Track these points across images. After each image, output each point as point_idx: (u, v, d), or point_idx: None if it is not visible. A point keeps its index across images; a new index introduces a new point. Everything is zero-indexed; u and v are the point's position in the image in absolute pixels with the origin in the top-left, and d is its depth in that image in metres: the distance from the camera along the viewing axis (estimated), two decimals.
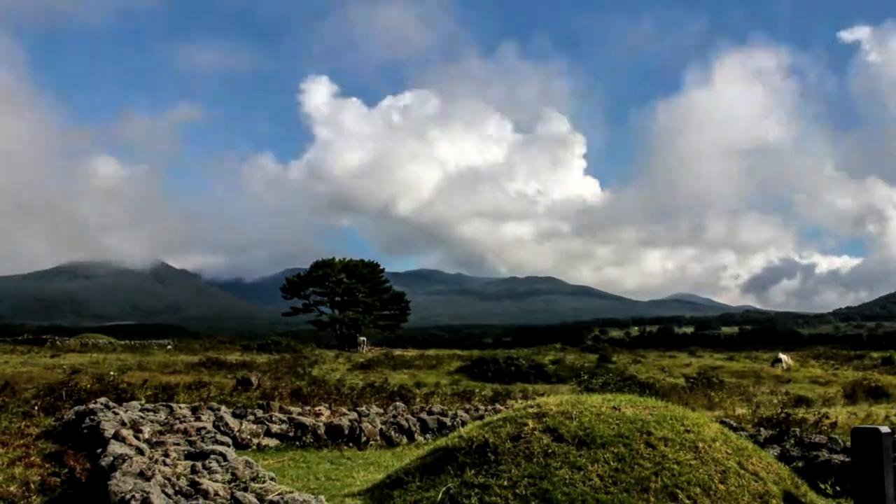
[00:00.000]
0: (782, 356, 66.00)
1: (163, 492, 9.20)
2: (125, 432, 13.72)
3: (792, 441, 17.81)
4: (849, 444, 14.71)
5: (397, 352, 78.57)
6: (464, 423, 19.61)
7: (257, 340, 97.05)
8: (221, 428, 18.55)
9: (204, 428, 16.78)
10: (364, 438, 20.15)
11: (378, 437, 20.43)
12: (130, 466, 10.41)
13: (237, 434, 18.78)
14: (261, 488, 9.89)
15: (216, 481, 10.15)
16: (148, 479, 9.84)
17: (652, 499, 11.14)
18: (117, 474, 10.06)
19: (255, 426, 19.46)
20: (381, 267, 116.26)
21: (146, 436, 14.21)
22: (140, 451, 12.10)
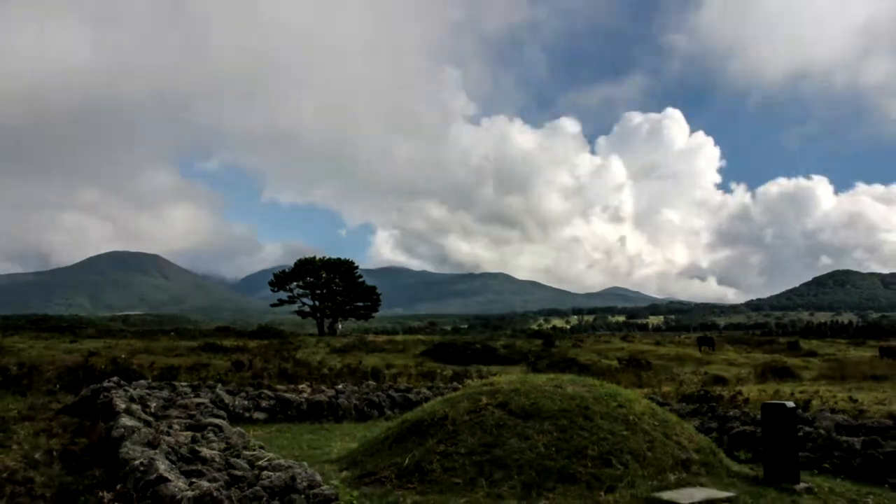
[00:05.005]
0: None
1: (167, 458, 9.18)
2: (134, 407, 13.69)
3: (710, 414, 18.06)
4: (759, 417, 14.95)
5: (370, 337, 78.24)
6: (427, 399, 19.68)
7: (249, 328, 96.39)
8: (218, 403, 18.57)
9: (203, 404, 16.71)
10: (341, 413, 20.22)
11: (353, 412, 20.49)
12: (139, 436, 10.38)
13: (231, 409, 18.80)
14: (252, 455, 9.90)
15: (213, 449, 10.15)
16: (154, 448, 9.82)
17: (589, 464, 11.26)
18: (127, 443, 10.04)
19: (246, 402, 19.50)
20: (356, 264, 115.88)
21: (152, 410, 14.17)
22: (147, 424, 12.07)
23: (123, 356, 31.74)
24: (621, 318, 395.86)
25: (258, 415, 19.34)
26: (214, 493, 7.58)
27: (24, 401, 17.72)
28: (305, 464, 9.52)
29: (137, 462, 8.72)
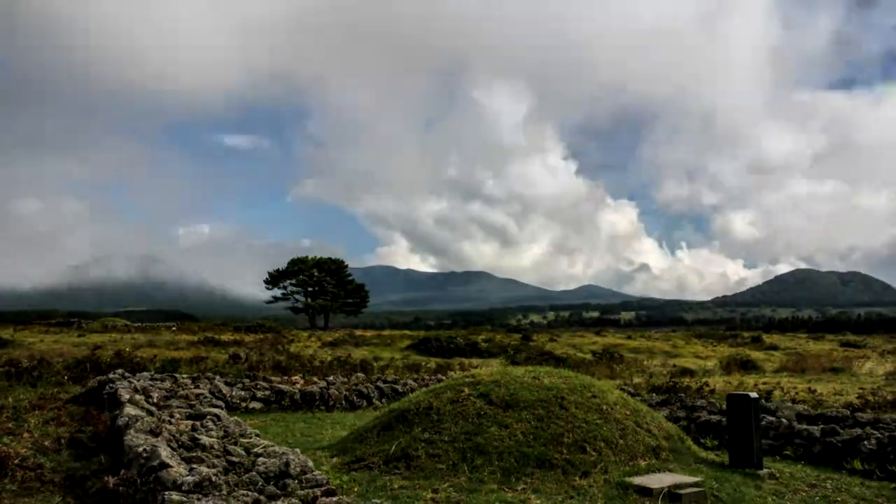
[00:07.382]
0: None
1: (168, 445, 9.18)
2: (138, 397, 13.68)
3: (678, 404, 18.19)
4: (725, 406, 15.13)
5: (358, 332, 78.07)
6: (413, 390, 19.79)
7: (245, 323, 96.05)
8: (216, 394, 18.62)
9: (202, 394, 16.73)
10: (332, 402, 20.26)
11: (343, 402, 20.54)
12: (142, 425, 10.38)
13: (229, 399, 18.84)
14: (248, 442, 9.91)
15: (212, 437, 10.15)
16: (156, 436, 9.83)
17: (565, 451, 11.32)
18: (131, 431, 10.04)
19: (243, 392, 19.53)
20: (346, 263, 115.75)
21: (155, 400, 14.15)
22: (150, 413, 12.08)
23: (127, 349, 31.68)
24: (595, 314, 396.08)
25: (254, 404, 19.36)
26: (213, 479, 7.60)
27: (34, 391, 17.72)
28: (298, 451, 9.53)
29: (141, 449, 8.74)
